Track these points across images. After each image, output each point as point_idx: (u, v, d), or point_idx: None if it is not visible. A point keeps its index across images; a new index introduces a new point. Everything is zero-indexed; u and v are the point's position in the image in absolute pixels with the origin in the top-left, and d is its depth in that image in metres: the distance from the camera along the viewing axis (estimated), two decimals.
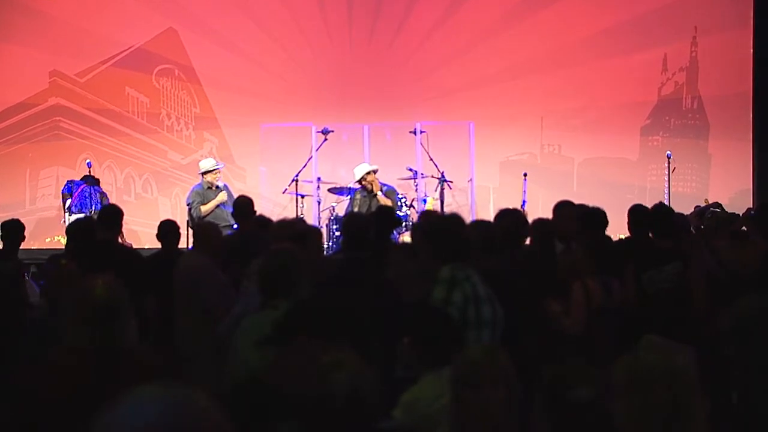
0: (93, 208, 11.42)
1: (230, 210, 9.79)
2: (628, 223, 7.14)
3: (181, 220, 10.02)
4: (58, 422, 3.39)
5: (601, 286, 5.91)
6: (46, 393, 3.48)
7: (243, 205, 8.23)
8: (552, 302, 5.74)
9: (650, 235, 6.99)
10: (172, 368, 3.80)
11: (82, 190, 11.89)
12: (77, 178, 12.44)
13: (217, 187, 11.29)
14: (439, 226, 4.87)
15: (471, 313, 4.46)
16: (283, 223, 6.67)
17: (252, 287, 5.25)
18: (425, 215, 5.52)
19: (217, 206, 11.07)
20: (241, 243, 7.39)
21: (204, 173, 11.37)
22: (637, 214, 7.08)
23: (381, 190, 11.50)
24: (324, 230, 11.33)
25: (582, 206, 6.95)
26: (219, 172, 11.40)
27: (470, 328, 4.44)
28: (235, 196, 9.25)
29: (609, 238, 6.40)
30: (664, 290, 6.49)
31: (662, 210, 7.25)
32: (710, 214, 9.33)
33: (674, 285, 6.49)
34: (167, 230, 7.77)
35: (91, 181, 12.06)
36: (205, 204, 11.13)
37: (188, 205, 11.33)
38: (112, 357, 3.51)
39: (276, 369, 3.38)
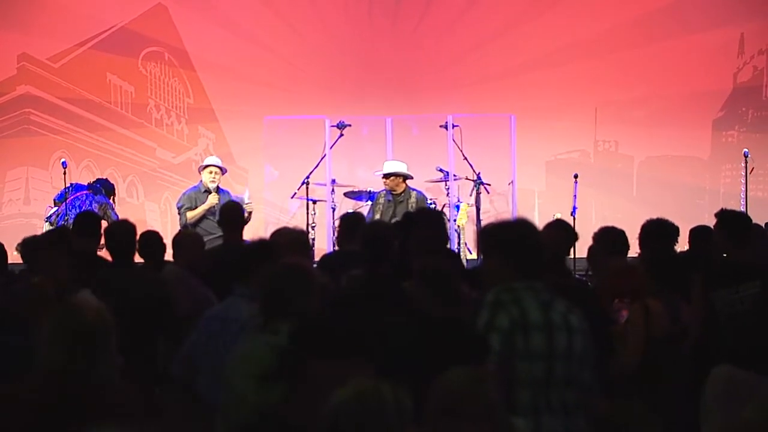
0: None
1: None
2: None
3: (173, 228, 10.01)
4: None
5: (666, 309, 5.85)
6: (7, 421, 3.55)
7: (230, 212, 8.13)
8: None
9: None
10: (144, 406, 3.81)
11: (75, 198, 11.37)
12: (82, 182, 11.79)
13: (217, 190, 11.00)
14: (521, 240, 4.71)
15: (519, 342, 4.40)
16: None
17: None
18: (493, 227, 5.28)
19: (208, 212, 10.82)
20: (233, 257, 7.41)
21: (200, 170, 11.24)
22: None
23: (410, 197, 11.47)
24: None
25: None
26: (215, 171, 11.15)
27: (518, 359, 4.39)
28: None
29: (674, 250, 6.36)
30: (741, 313, 6.43)
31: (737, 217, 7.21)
32: None
33: (753, 307, 6.43)
34: (146, 242, 7.56)
35: (97, 189, 11.46)
36: (193, 210, 10.94)
37: (177, 209, 11.19)
38: (82, 390, 3.55)
39: (291, 407, 3.41)
